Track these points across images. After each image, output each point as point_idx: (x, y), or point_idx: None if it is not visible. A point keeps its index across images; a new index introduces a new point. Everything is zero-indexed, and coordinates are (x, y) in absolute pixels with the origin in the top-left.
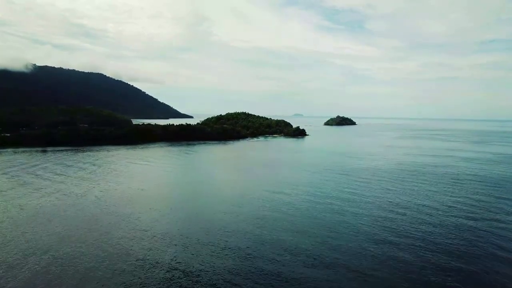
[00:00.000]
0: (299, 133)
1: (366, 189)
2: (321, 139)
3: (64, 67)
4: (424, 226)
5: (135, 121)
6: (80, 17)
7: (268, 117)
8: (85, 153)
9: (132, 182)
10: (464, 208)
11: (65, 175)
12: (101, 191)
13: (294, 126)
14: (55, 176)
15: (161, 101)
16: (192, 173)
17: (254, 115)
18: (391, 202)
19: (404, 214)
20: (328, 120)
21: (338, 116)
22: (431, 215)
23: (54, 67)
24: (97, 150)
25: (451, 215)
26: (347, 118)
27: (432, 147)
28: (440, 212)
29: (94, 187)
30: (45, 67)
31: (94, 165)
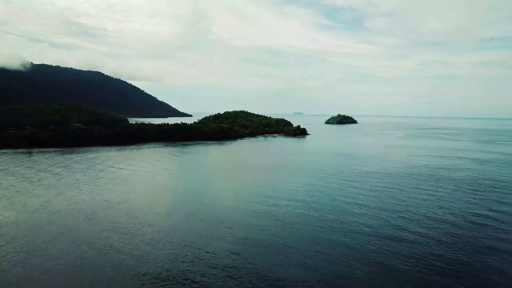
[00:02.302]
0: (300, 132)
1: (373, 201)
2: (322, 139)
3: (61, 65)
4: (444, 258)
5: (133, 120)
6: (79, 16)
7: (268, 116)
8: (69, 155)
9: (107, 190)
10: (490, 232)
11: (29, 181)
12: (64, 202)
13: (295, 124)
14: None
15: (160, 100)
16: (179, 179)
17: (254, 114)
18: (403, 219)
19: (418, 242)
20: (329, 119)
21: (339, 115)
22: (451, 238)
23: (51, 65)
24: (84, 152)
25: (478, 238)
26: (348, 116)
27: (441, 147)
28: (463, 238)
29: (62, 197)
30: (42, 65)
31: (72, 169)
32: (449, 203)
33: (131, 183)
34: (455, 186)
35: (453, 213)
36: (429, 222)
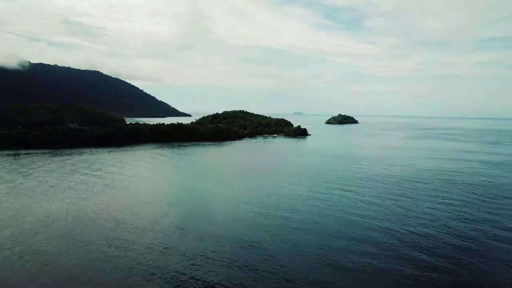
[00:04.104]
0: (300, 133)
1: (378, 216)
2: (323, 139)
3: (59, 65)
4: None
5: (131, 120)
6: (79, 15)
7: (268, 116)
8: (51, 157)
9: (84, 199)
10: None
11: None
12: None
13: (295, 124)
14: None
15: (159, 99)
16: (168, 184)
17: (253, 114)
18: (416, 241)
19: (431, 277)
20: (330, 119)
21: (339, 115)
22: (466, 269)
23: (49, 65)
24: (72, 154)
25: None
26: (349, 116)
27: (445, 148)
28: (482, 272)
29: (23, 207)
30: (40, 64)
31: (40, 175)
32: (464, 222)
33: (111, 190)
34: (468, 194)
35: (469, 236)
36: (443, 247)
